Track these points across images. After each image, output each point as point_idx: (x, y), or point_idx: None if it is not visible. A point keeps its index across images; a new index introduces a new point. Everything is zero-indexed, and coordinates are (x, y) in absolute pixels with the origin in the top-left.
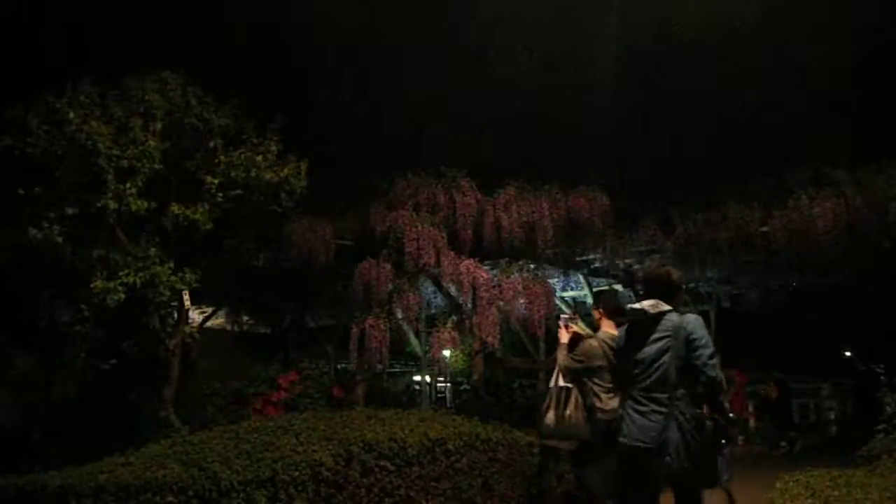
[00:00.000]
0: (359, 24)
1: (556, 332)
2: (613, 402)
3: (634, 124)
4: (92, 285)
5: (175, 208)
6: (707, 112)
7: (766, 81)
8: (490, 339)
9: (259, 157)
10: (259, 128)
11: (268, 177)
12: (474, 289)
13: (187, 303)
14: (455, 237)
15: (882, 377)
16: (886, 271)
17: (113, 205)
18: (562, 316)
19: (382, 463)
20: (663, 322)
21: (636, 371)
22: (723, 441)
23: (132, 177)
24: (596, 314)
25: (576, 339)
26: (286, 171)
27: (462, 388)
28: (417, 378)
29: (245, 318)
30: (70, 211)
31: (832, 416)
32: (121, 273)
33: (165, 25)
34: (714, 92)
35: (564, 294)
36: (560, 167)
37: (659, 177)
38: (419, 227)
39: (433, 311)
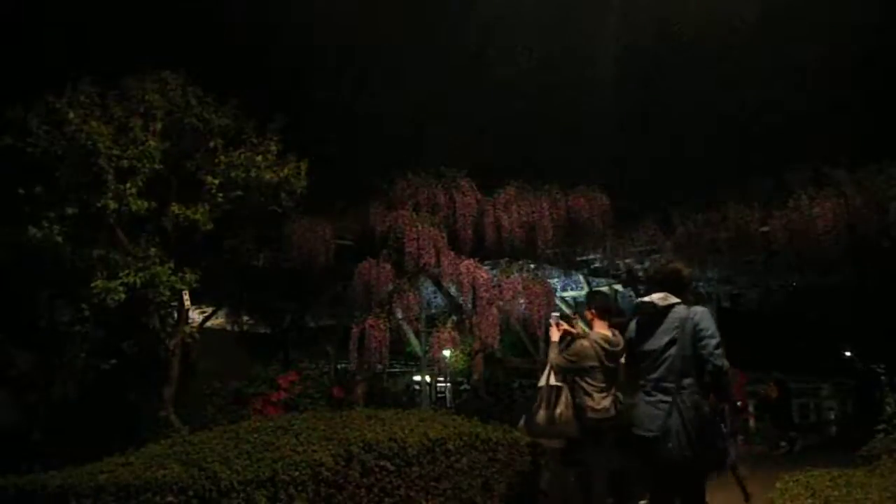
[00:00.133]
0: (359, 24)
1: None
2: (606, 402)
3: (634, 124)
4: (92, 285)
5: (175, 208)
6: (707, 112)
7: (766, 81)
8: (490, 339)
9: (259, 158)
10: (259, 128)
11: (268, 177)
12: (474, 289)
13: (187, 303)
14: (455, 237)
15: (882, 377)
16: (886, 271)
17: (113, 205)
18: (553, 314)
19: (382, 463)
20: (672, 314)
21: (646, 362)
22: (722, 425)
23: (132, 177)
24: (588, 315)
25: (568, 337)
26: (286, 171)
27: (462, 388)
28: (417, 378)
29: (245, 318)
30: (70, 211)
31: (832, 416)
32: (121, 273)
33: (165, 25)
34: (714, 92)
35: (564, 294)
36: (560, 167)
37: (659, 177)
38: (419, 227)
39: (433, 311)
